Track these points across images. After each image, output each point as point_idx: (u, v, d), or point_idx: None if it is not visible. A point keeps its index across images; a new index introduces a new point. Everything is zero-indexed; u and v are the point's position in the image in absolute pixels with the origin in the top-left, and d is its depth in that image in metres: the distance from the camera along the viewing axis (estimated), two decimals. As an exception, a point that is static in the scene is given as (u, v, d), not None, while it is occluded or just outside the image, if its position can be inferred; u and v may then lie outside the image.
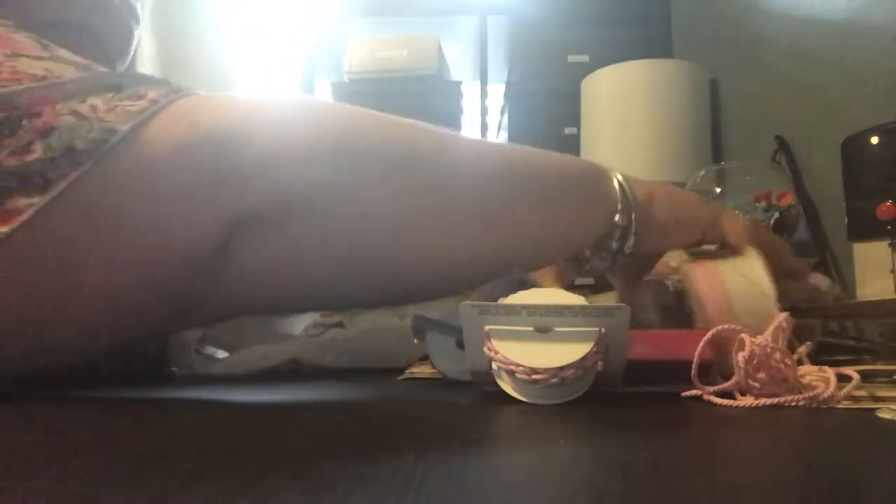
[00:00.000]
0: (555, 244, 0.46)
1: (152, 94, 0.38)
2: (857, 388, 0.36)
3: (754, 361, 0.38)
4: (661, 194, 0.48)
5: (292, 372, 0.64)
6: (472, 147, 0.47)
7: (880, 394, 0.38)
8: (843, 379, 0.37)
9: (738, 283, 0.46)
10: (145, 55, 2.29)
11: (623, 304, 0.38)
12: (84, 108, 0.37)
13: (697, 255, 0.50)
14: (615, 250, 0.47)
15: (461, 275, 0.46)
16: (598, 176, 0.47)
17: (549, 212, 0.45)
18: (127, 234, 0.37)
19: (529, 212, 0.45)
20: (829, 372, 0.38)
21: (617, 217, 0.46)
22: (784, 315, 0.40)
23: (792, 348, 0.39)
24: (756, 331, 0.40)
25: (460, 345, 0.47)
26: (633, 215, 0.45)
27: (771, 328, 0.39)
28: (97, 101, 0.37)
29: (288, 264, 0.41)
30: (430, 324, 0.50)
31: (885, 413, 0.33)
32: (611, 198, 0.46)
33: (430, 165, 0.43)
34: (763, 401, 0.37)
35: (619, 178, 0.47)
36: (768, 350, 0.38)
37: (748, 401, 0.37)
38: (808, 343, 0.40)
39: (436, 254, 0.44)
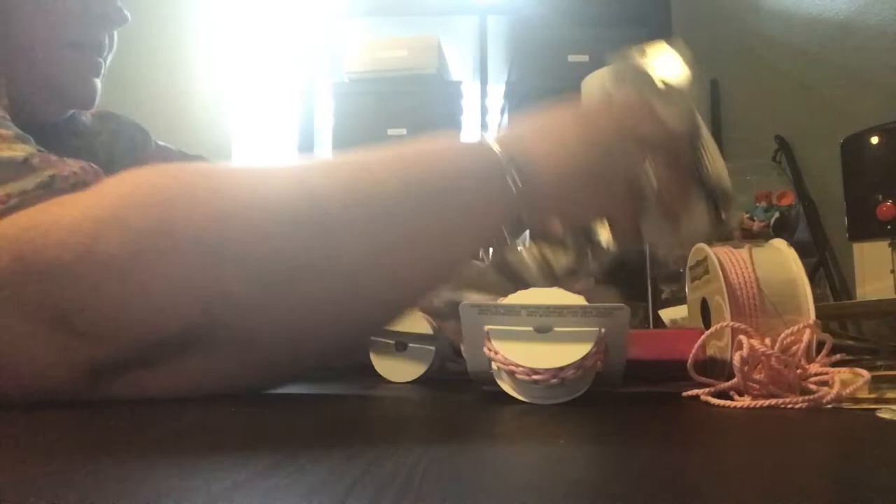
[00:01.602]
0: (461, 248, 0.42)
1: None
2: (859, 388, 0.36)
3: (751, 362, 0.38)
4: (562, 164, 0.42)
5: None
6: (358, 175, 0.41)
7: (881, 394, 0.38)
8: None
9: (766, 269, 0.46)
10: (145, 53, 2.29)
11: (623, 305, 0.38)
12: None
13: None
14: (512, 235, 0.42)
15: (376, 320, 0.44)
16: (488, 174, 0.42)
17: (447, 227, 0.41)
18: None
19: (430, 236, 0.41)
20: (833, 373, 0.38)
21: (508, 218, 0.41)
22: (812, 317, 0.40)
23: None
24: (784, 313, 0.40)
25: (398, 347, 0.49)
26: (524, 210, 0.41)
27: (794, 328, 0.39)
28: None
29: (231, 375, 0.38)
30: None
31: (886, 413, 0.33)
32: (503, 195, 0.41)
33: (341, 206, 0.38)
34: (761, 402, 0.37)
35: (511, 168, 0.41)
36: (767, 351, 0.38)
37: (745, 401, 0.37)
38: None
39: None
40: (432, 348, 0.51)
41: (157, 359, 0.36)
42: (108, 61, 0.60)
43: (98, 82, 0.59)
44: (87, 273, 0.33)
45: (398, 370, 0.52)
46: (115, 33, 0.60)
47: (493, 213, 0.41)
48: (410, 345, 0.52)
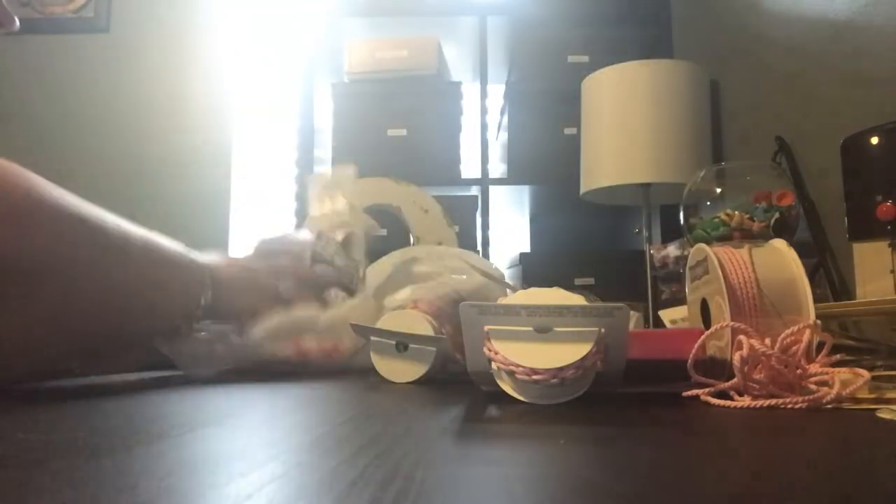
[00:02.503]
0: (160, 315, 0.58)
1: None
2: (859, 388, 0.36)
3: (751, 362, 0.38)
4: (235, 275, 0.65)
5: (289, 372, 0.64)
6: (119, 235, 0.54)
7: (881, 394, 0.38)
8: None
9: (766, 269, 0.46)
10: (145, 54, 2.30)
11: (622, 305, 0.38)
12: None
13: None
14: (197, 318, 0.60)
15: (108, 341, 0.55)
16: (187, 261, 0.61)
17: (156, 292, 0.57)
18: None
19: (151, 291, 0.57)
20: (833, 373, 0.38)
21: (202, 300, 0.60)
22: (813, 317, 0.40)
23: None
24: (784, 313, 0.40)
25: (399, 348, 0.50)
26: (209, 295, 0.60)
27: (794, 328, 0.39)
28: None
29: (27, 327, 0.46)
30: (370, 330, 0.54)
31: (886, 413, 0.33)
32: (198, 284, 0.60)
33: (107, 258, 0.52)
34: (761, 402, 0.37)
35: (206, 269, 0.61)
36: (767, 351, 0.38)
37: (745, 401, 0.37)
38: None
39: (103, 319, 0.53)
40: (433, 349, 0.51)
41: None
42: None
43: None
44: None
45: (399, 370, 0.52)
46: None
47: (189, 301, 0.59)
48: (411, 345, 0.52)
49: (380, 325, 0.54)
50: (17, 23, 0.65)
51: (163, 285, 0.58)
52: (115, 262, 0.52)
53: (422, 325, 0.53)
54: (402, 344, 0.53)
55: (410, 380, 0.52)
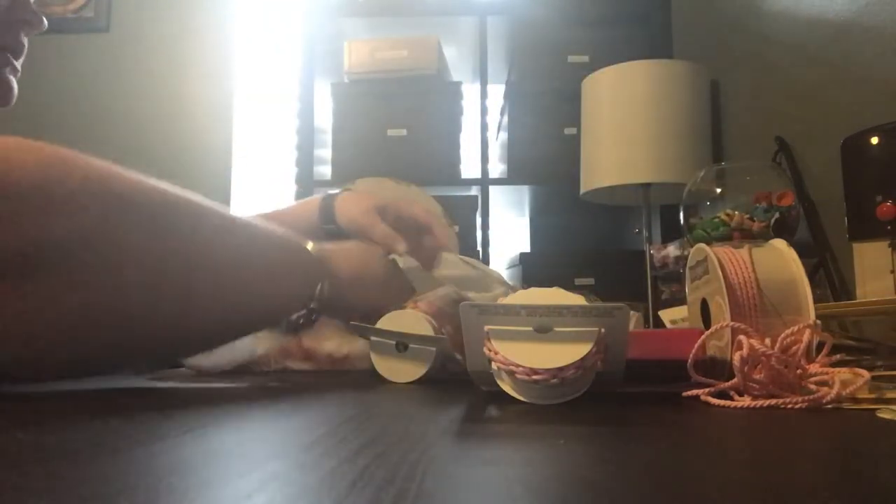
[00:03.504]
0: (275, 305, 0.54)
1: None
2: (859, 388, 0.36)
3: (751, 362, 0.38)
4: (346, 264, 0.60)
5: (289, 371, 0.64)
6: (219, 223, 0.51)
7: (881, 394, 0.38)
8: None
9: (766, 269, 0.46)
10: (145, 55, 2.30)
11: (622, 305, 0.38)
12: None
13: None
14: (312, 310, 0.57)
15: (205, 335, 0.51)
16: (304, 256, 0.57)
17: (269, 284, 0.53)
18: None
19: (255, 282, 0.51)
20: (833, 373, 0.38)
21: (314, 297, 0.56)
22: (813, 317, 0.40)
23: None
24: (784, 313, 0.40)
25: (399, 348, 0.50)
26: (323, 287, 0.56)
27: (794, 328, 0.39)
28: None
29: (36, 318, 0.41)
30: (370, 330, 0.54)
31: (886, 413, 0.33)
32: (312, 280, 0.56)
33: (188, 235, 0.46)
34: (761, 402, 0.37)
35: (321, 261, 0.57)
36: (767, 351, 0.38)
37: (745, 401, 0.37)
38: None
39: (184, 320, 0.47)
40: (433, 349, 0.51)
41: (32, 268, 0.39)
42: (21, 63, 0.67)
43: (15, 81, 0.65)
44: None
45: (399, 371, 0.52)
46: (27, 39, 0.65)
47: (298, 291, 0.55)
48: (412, 346, 0.52)
49: (380, 325, 0.54)
50: (46, 23, 0.65)
51: (269, 275, 0.53)
52: (198, 250, 0.47)
53: (422, 325, 0.53)
54: (402, 344, 0.53)
55: (410, 380, 0.52)
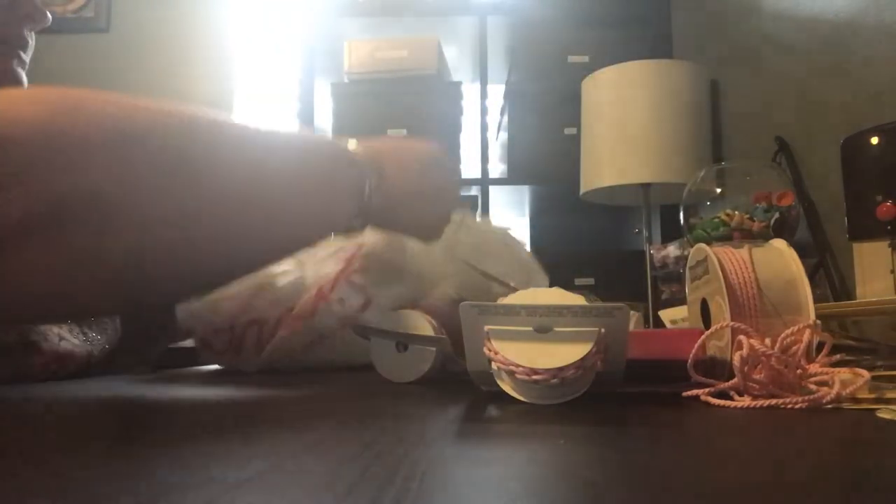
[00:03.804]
0: (317, 229, 0.50)
1: None
2: (859, 388, 0.36)
3: (751, 362, 0.38)
4: (400, 185, 0.52)
5: (289, 371, 0.64)
6: (239, 136, 0.46)
7: (881, 394, 0.38)
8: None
9: (766, 269, 0.46)
10: (145, 54, 2.30)
11: (622, 305, 0.38)
12: None
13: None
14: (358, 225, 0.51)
15: (244, 265, 0.48)
16: (347, 160, 0.50)
17: (310, 196, 0.48)
18: None
19: (294, 197, 0.47)
20: (833, 373, 0.38)
21: (366, 194, 0.49)
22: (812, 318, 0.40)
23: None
24: (784, 313, 0.40)
25: (399, 348, 0.50)
26: (372, 197, 0.50)
27: (794, 328, 0.39)
28: None
29: (67, 273, 0.40)
30: (370, 330, 0.54)
31: (886, 413, 0.33)
32: (359, 178, 0.49)
33: (205, 159, 0.43)
34: (761, 402, 0.37)
35: (364, 165, 0.50)
36: (767, 351, 0.38)
37: (745, 401, 0.37)
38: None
39: (220, 252, 0.45)
40: (433, 349, 0.51)
41: (58, 225, 0.38)
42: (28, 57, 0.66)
43: (24, 74, 0.64)
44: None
45: (399, 370, 0.52)
46: (34, 34, 0.65)
47: (346, 200, 0.49)
48: (412, 345, 0.52)
49: (380, 324, 0.54)
50: (50, 17, 0.64)
51: (306, 188, 0.48)
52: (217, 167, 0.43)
53: (422, 325, 0.53)
54: (402, 344, 0.53)
55: (410, 380, 0.52)
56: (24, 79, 0.65)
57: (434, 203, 0.55)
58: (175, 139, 0.42)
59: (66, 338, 0.61)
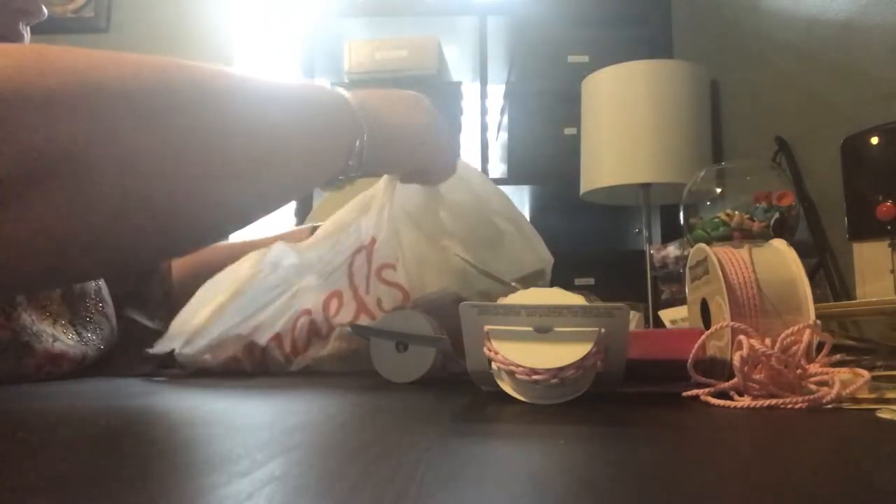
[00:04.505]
0: (314, 170, 0.50)
1: None
2: (859, 388, 0.36)
3: (751, 362, 0.38)
4: (393, 123, 0.54)
5: (287, 373, 0.64)
6: (230, 86, 0.45)
7: (881, 394, 0.38)
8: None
9: (766, 269, 0.46)
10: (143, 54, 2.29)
11: (622, 305, 0.38)
12: None
13: None
14: (352, 169, 0.51)
15: (238, 212, 0.47)
16: (341, 104, 0.51)
17: (306, 142, 0.48)
18: None
19: (290, 147, 0.47)
20: (833, 373, 0.38)
21: (357, 143, 0.50)
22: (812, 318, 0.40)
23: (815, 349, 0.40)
24: (784, 313, 0.40)
25: (399, 348, 0.50)
26: (366, 142, 0.50)
27: (794, 328, 0.39)
28: None
29: (53, 231, 0.38)
30: (370, 330, 0.54)
31: (886, 413, 0.33)
32: (354, 125, 0.50)
33: (191, 108, 0.42)
34: (761, 402, 0.37)
35: (357, 108, 0.51)
36: (767, 351, 0.38)
37: (745, 401, 0.37)
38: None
39: (211, 199, 0.43)
40: (433, 349, 0.51)
41: (38, 181, 0.36)
42: None
43: None
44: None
45: (399, 371, 0.52)
46: (29, 28, 0.63)
47: (345, 140, 0.50)
48: (411, 346, 0.52)
49: (379, 325, 0.54)
50: (45, 11, 0.62)
51: (302, 135, 0.48)
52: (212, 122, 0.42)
53: (422, 325, 0.53)
54: (402, 344, 0.53)
55: (410, 380, 0.52)
56: None
57: (424, 140, 0.57)
58: (154, 87, 0.40)
59: (60, 338, 0.61)
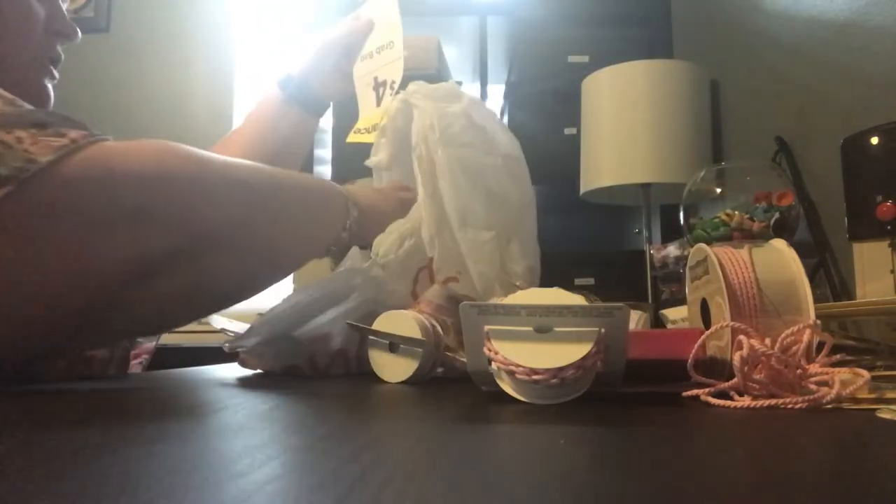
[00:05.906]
0: (320, 238, 0.64)
1: (73, 135, 0.45)
2: (859, 388, 0.36)
3: (751, 362, 0.38)
4: (371, 206, 0.69)
5: (286, 373, 0.64)
6: (280, 182, 0.59)
7: (881, 394, 0.38)
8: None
9: (766, 269, 0.46)
10: (146, 54, 2.29)
11: (622, 305, 0.38)
12: (10, 139, 0.42)
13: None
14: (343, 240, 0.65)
15: (264, 283, 0.60)
16: (335, 194, 0.66)
17: (317, 220, 0.64)
18: (45, 256, 0.42)
19: (307, 223, 0.62)
20: (833, 373, 0.38)
21: (346, 226, 0.65)
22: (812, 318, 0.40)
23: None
24: (784, 313, 0.40)
25: (391, 349, 0.50)
26: (354, 226, 0.65)
27: (794, 328, 0.39)
28: (22, 134, 0.43)
29: (198, 290, 0.51)
30: (363, 330, 0.55)
31: (886, 413, 0.33)
32: (343, 213, 0.65)
33: (271, 196, 0.57)
34: (761, 402, 0.37)
35: (347, 196, 0.66)
36: (767, 351, 0.38)
37: (745, 401, 0.37)
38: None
39: (267, 267, 0.59)
40: (420, 350, 0.52)
41: (202, 251, 0.49)
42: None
43: (52, 87, 0.71)
44: (162, 176, 0.47)
45: (391, 370, 0.53)
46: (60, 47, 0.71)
47: (337, 222, 0.64)
48: (401, 347, 0.53)
49: (374, 325, 0.54)
50: (79, 33, 0.70)
51: (313, 218, 0.62)
52: (274, 210, 0.56)
53: (409, 327, 0.53)
54: (394, 344, 0.53)
55: (400, 379, 0.52)
56: (52, 92, 0.70)
57: (395, 218, 0.71)
58: (265, 184, 0.56)
59: None
